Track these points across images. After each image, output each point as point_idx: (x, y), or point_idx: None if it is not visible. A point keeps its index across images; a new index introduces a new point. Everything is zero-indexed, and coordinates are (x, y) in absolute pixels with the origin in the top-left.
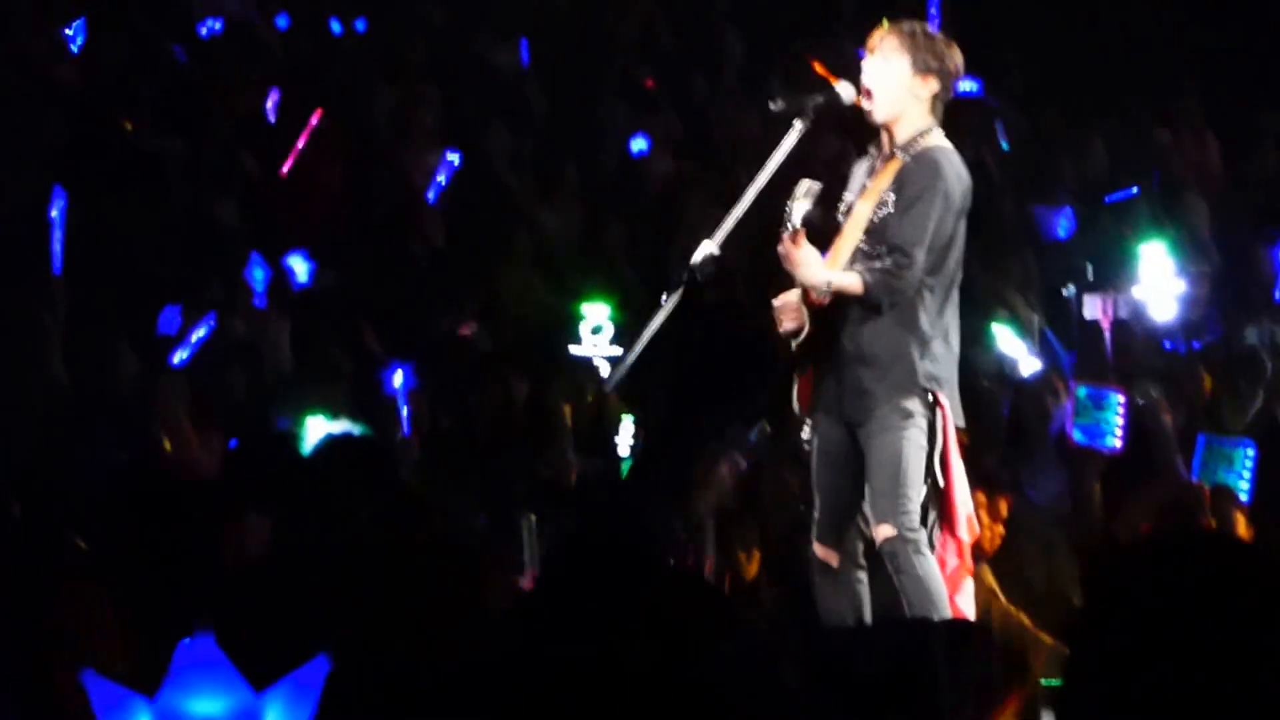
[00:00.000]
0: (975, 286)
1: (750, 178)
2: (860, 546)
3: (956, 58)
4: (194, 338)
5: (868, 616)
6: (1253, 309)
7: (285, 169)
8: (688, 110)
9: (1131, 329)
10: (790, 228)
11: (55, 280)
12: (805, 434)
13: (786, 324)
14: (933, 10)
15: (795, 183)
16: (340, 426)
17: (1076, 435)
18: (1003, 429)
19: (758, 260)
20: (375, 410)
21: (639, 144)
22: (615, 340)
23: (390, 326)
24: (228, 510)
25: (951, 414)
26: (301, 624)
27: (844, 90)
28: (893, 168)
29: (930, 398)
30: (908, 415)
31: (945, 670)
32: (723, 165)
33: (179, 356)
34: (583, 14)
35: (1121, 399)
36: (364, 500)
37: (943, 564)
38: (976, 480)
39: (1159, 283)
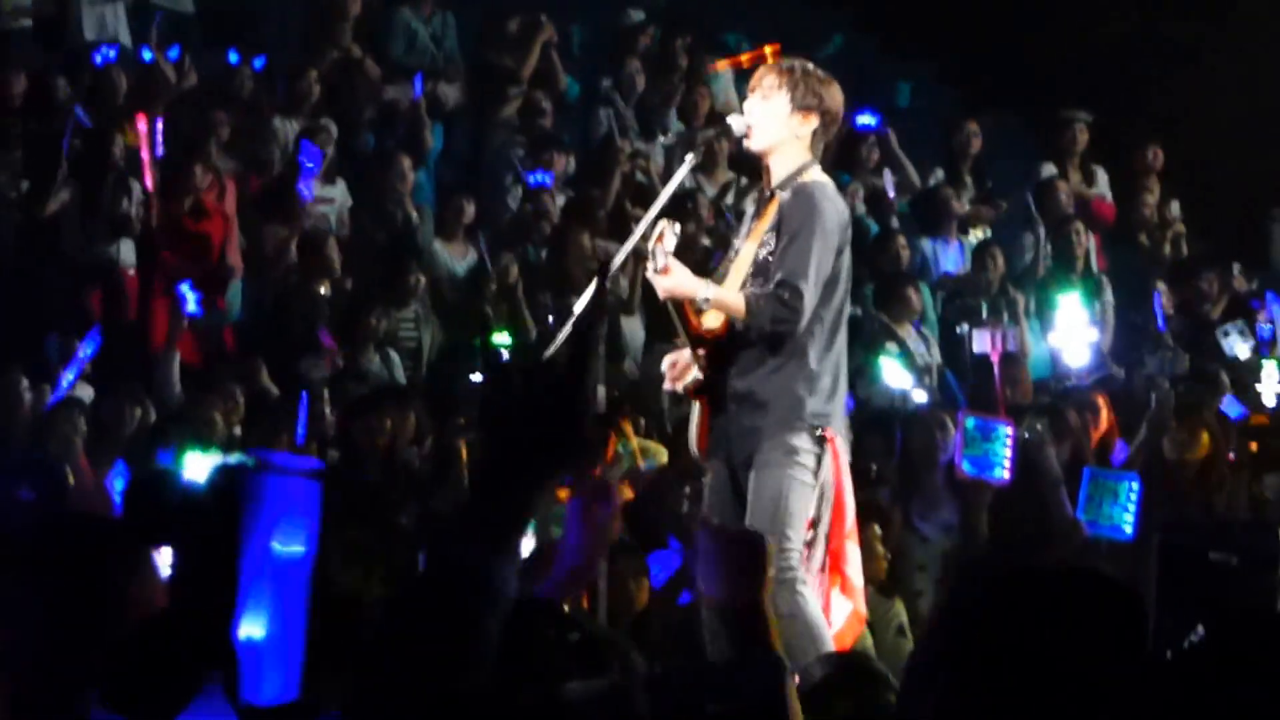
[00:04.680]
0: (867, 319)
1: (643, 210)
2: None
3: (836, 96)
4: (81, 357)
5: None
6: (1146, 341)
7: (182, 203)
8: (584, 145)
9: (1020, 362)
10: (656, 265)
11: None
12: (706, 478)
13: (676, 381)
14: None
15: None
16: (220, 459)
17: (965, 467)
18: (893, 461)
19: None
20: (266, 442)
21: (537, 177)
22: None
23: (285, 359)
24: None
25: (843, 450)
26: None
27: (735, 124)
28: (772, 207)
29: (819, 434)
30: (792, 452)
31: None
32: (616, 199)
33: (66, 379)
34: (480, 51)
35: (1010, 431)
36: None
37: (828, 606)
38: (868, 512)
39: (1074, 331)
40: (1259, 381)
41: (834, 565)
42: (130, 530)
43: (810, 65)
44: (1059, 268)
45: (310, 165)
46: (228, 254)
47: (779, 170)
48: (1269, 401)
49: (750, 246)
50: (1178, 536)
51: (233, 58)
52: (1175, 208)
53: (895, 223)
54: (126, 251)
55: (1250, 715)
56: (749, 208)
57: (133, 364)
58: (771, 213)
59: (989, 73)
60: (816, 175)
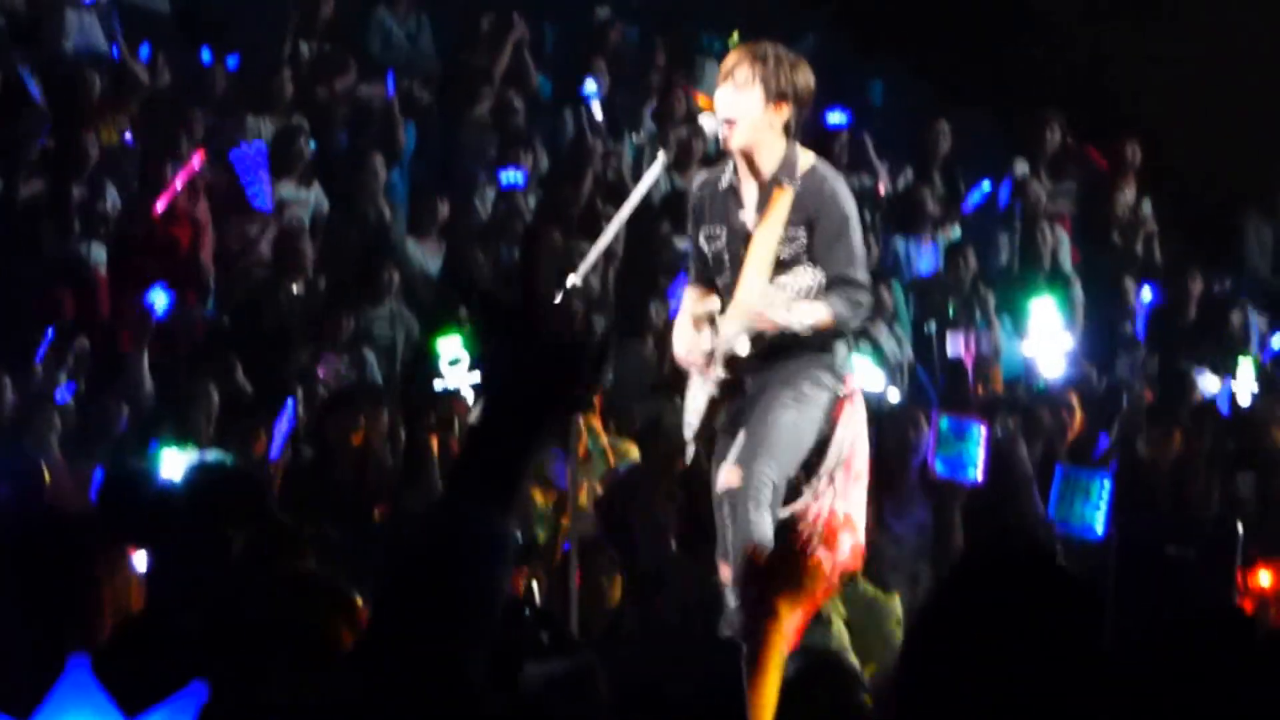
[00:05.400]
0: None
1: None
2: None
3: (808, 78)
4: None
5: None
6: (1119, 342)
7: (155, 203)
8: (556, 144)
9: (993, 362)
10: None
11: None
12: (689, 457)
13: (700, 376)
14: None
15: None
16: (196, 457)
17: (938, 466)
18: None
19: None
20: (239, 441)
21: (510, 176)
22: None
23: (258, 359)
24: (108, 549)
25: (862, 409)
26: (179, 657)
27: (707, 123)
28: (783, 197)
29: (839, 386)
30: (819, 386)
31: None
32: (589, 198)
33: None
34: (453, 48)
35: (983, 430)
36: (236, 529)
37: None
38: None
39: (1048, 338)
40: (1234, 380)
41: (833, 528)
42: (106, 529)
43: (780, 50)
44: (1027, 266)
45: (248, 165)
46: (200, 254)
47: (766, 160)
48: (1244, 401)
49: (766, 238)
50: (1136, 531)
51: (206, 57)
52: (1147, 207)
53: (867, 219)
54: (98, 251)
55: (1205, 710)
56: (709, 199)
57: (107, 363)
58: (783, 202)
59: (962, 71)
60: (813, 159)
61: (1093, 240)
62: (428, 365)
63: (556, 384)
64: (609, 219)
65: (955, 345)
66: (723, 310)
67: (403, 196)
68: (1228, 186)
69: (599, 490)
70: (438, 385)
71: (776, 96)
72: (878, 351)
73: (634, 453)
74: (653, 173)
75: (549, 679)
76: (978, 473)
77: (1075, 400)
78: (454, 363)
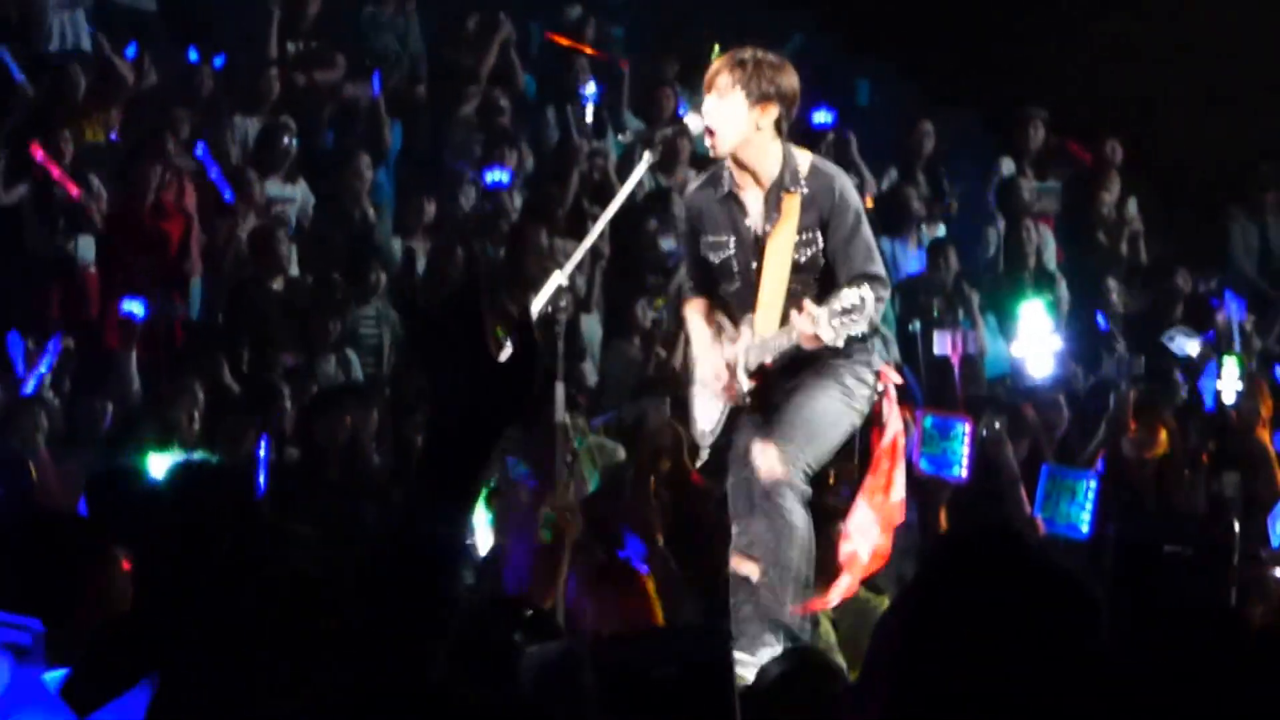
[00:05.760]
0: None
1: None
2: None
3: (791, 79)
4: (41, 365)
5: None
6: (1105, 340)
7: (142, 201)
8: (541, 143)
9: (978, 362)
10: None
11: None
12: (703, 457)
13: (727, 392)
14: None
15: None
16: (183, 456)
17: (923, 465)
18: (852, 460)
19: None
20: (226, 441)
21: (495, 175)
22: None
23: (244, 358)
24: (95, 548)
25: (894, 396)
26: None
27: (693, 123)
28: (792, 202)
29: (876, 375)
30: (859, 380)
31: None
32: (575, 197)
33: (30, 384)
34: (440, 47)
35: (967, 429)
36: (223, 528)
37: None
38: (827, 513)
39: (1037, 340)
40: (1219, 380)
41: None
42: (93, 529)
43: (760, 53)
44: (1011, 265)
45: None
46: (187, 252)
47: (764, 164)
48: (1229, 399)
49: (782, 243)
50: (1133, 529)
51: (193, 56)
52: (1133, 206)
53: None
54: (86, 249)
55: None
56: (708, 210)
57: (95, 362)
58: (791, 210)
59: (948, 71)
60: (812, 157)
61: (1077, 239)
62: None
63: (506, 392)
64: (595, 219)
65: (941, 344)
66: (736, 316)
67: (389, 196)
68: (1212, 185)
69: (586, 490)
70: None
71: (760, 99)
72: None
73: (620, 453)
74: (638, 172)
75: (539, 665)
76: (963, 470)
77: (1061, 399)
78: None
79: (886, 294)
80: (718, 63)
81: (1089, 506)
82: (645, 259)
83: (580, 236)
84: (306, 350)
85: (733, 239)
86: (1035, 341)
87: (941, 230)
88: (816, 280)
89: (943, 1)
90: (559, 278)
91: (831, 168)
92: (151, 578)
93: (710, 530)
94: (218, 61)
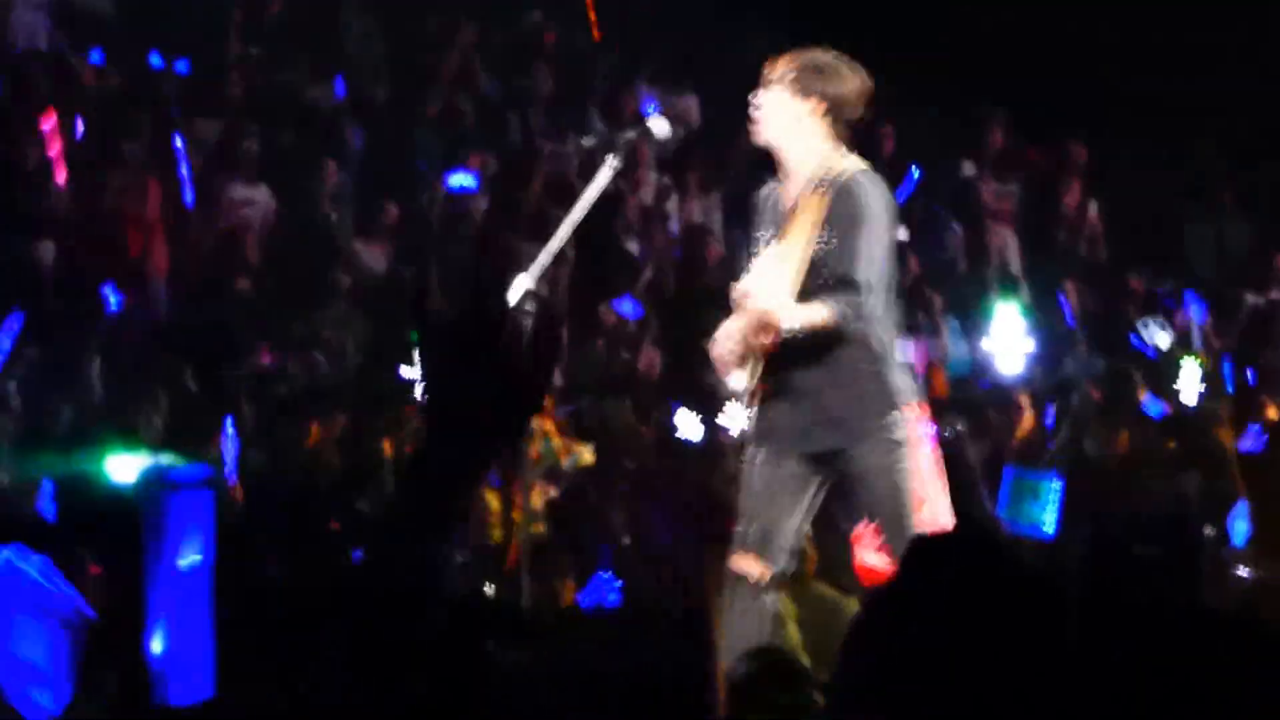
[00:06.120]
0: None
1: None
2: (788, 568)
3: (844, 83)
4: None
5: (769, 639)
6: (1067, 341)
7: (104, 204)
8: (505, 146)
9: (941, 366)
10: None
11: None
12: (748, 455)
13: (732, 371)
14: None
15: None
16: (149, 460)
17: None
18: None
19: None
20: (194, 444)
21: (459, 179)
22: None
23: (208, 361)
24: (64, 555)
25: (913, 417)
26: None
27: (655, 126)
28: (820, 201)
29: (900, 412)
30: (896, 445)
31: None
32: (539, 201)
33: None
34: (401, 50)
35: (930, 429)
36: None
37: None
38: None
39: (1010, 341)
40: (1179, 380)
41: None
42: (61, 535)
43: (820, 54)
44: (973, 267)
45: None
46: (149, 255)
47: (802, 163)
48: (1189, 400)
49: (800, 240)
50: (1105, 531)
51: (155, 60)
52: (1093, 208)
53: None
54: (47, 250)
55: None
56: (765, 204)
57: (56, 364)
58: (819, 205)
59: (908, 72)
60: (855, 164)
61: (1038, 241)
62: (380, 368)
63: (501, 406)
64: (559, 222)
65: (908, 355)
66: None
67: (351, 198)
68: (1170, 187)
69: (551, 492)
70: (404, 373)
71: (804, 94)
72: None
73: (586, 454)
74: (603, 175)
75: (513, 669)
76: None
77: (1024, 401)
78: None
79: (857, 300)
80: (780, 58)
81: (1052, 507)
82: (610, 262)
83: (545, 239)
84: (270, 352)
85: (772, 233)
86: (1008, 342)
87: (902, 233)
88: (825, 280)
89: (903, 3)
90: (524, 281)
91: (870, 180)
92: (115, 586)
93: (673, 530)
94: (180, 66)
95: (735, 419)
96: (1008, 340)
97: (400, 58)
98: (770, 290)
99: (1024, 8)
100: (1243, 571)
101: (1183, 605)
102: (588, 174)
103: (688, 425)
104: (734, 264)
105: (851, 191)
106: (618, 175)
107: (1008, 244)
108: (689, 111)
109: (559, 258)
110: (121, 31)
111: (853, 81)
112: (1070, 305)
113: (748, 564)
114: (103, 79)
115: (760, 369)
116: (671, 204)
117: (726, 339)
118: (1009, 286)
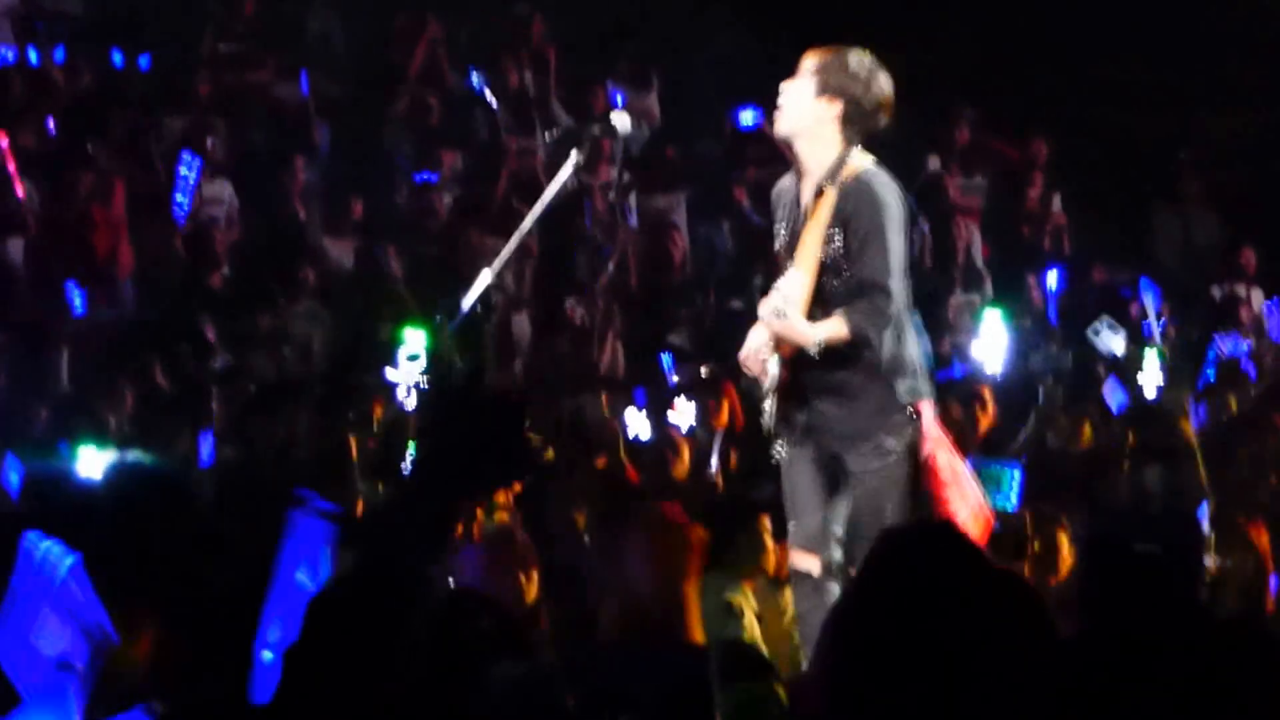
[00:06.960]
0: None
1: (528, 208)
2: (840, 556)
3: (873, 84)
4: None
5: None
6: (1032, 335)
7: (73, 202)
8: (471, 142)
9: None
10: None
11: None
12: (777, 451)
13: (765, 376)
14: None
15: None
16: (115, 455)
17: None
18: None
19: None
20: (162, 439)
21: (425, 175)
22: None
23: (176, 357)
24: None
25: (927, 412)
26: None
27: (619, 122)
28: (827, 199)
29: (911, 412)
30: (885, 453)
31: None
32: (503, 195)
33: None
34: (367, 47)
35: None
36: (162, 531)
37: None
38: (756, 505)
39: (995, 343)
40: (1140, 373)
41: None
42: (35, 528)
43: (850, 53)
44: (939, 261)
45: (187, 174)
46: (117, 253)
47: (815, 159)
48: (1150, 393)
49: (812, 239)
50: (1104, 528)
51: (117, 58)
52: (1057, 201)
53: None
54: (16, 250)
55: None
56: (783, 197)
57: (26, 361)
58: (827, 204)
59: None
60: (865, 164)
61: (1003, 234)
62: (376, 353)
63: (499, 447)
64: (524, 216)
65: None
66: None
67: (318, 195)
68: (1135, 180)
69: (516, 486)
70: (387, 375)
71: (826, 92)
72: None
73: (549, 452)
74: (566, 170)
75: (511, 680)
76: None
77: (986, 393)
78: (412, 358)
79: (884, 305)
80: (810, 52)
81: (1014, 497)
82: (575, 257)
83: (509, 234)
84: (238, 348)
85: (786, 229)
86: (994, 343)
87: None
88: (843, 282)
89: (868, 1)
90: (488, 276)
91: (882, 178)
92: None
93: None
94: (143, 62)
95: (684, 416)
96: (993, 344)
97: (365, 54)
98: (794, 306)
99: (989, 3)
100: (1206, 561)
101: (1179, 602)
102: (553, 170)
103: (637, 423)
104: (695, 260)
105: (862, 195)
106: (579, 170)
107: (973, 238)
108: (653, 109)
109: (525, 252)
110: (86, 30)
111: (878, 89)
112: (1035, 299)
113: (804, 560)
114: (72, 78)
115: (780, 367)
116: (632, 200)
117: (756, 351)
118: (966, 280)
